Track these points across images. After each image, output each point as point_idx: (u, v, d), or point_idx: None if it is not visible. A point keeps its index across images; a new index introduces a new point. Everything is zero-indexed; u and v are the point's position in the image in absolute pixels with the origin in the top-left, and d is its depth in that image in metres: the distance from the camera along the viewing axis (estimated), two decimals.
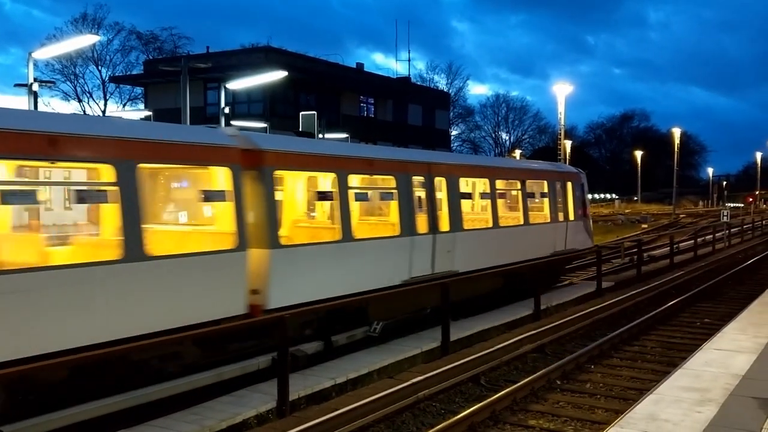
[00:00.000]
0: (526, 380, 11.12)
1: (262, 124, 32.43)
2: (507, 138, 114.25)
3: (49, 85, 49.26)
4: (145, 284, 9.36)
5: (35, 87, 19.89)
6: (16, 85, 22.38)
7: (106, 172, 9.30)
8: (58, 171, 10.36)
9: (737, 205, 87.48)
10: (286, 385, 9.78)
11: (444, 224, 15.54)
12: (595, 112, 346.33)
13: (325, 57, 55.83)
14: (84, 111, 66.69)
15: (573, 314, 16.33)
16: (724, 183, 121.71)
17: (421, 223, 14.78)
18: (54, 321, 8.43)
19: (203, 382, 10.13)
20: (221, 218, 11.15)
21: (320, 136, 24.96)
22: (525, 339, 13.79)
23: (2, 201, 8.65)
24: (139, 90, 65.04)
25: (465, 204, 17.28)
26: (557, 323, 15.22)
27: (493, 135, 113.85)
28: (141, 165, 9.58)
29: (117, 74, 68.33)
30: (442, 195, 15.77)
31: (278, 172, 12.21)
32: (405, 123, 60.85)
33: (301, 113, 26.28)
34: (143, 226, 9.44)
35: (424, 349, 13.12)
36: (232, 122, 28.23)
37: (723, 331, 12.72)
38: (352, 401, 9.67)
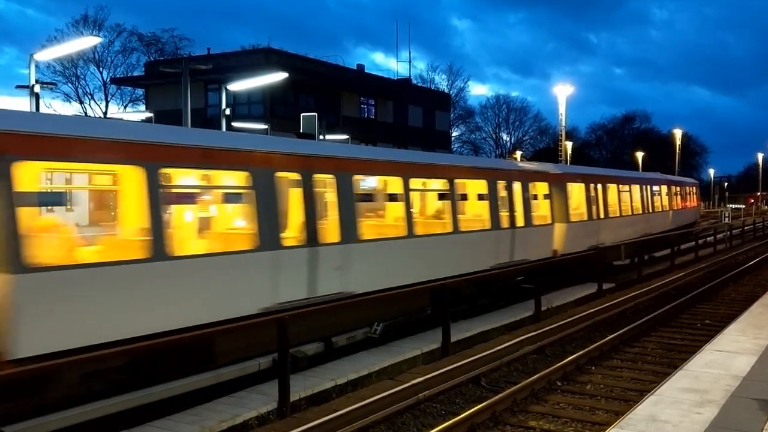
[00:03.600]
0: (527, 381, 11.13)
1: (262, 126, 32.42)
2: (507, 139, 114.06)
3: (50, 86, 49.29)
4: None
5: (37, 89, 19.90)
6: (18, 86, 22.30)
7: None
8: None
9: (738, 206, 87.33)
10: (286, 386, 9.80)
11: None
12: (596, 113, 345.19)
13: (325, 58, 55.77)
14: (85, 112, 66.66)
15: (573, 315, 16.34)
16: (725, 184, 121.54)
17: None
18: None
19: (202, 384, 10.13)
20: None
21: (320, 137, 24.93)
22: (525, 340, 13.79)
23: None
24: (140, 91, 65.01)
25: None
26: (557, 324, 15.22)
27: (494, 136, 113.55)
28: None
29: (118, 76, 68.40)
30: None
31: None
32: (405, 125, 60.79)
33: (301, 115, 26.20)
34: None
35: (424, 351, 13.14)
36: (233, 124, 28.25)
37: (723, 332, 12.69)
38: (353, 402, 9.69)
